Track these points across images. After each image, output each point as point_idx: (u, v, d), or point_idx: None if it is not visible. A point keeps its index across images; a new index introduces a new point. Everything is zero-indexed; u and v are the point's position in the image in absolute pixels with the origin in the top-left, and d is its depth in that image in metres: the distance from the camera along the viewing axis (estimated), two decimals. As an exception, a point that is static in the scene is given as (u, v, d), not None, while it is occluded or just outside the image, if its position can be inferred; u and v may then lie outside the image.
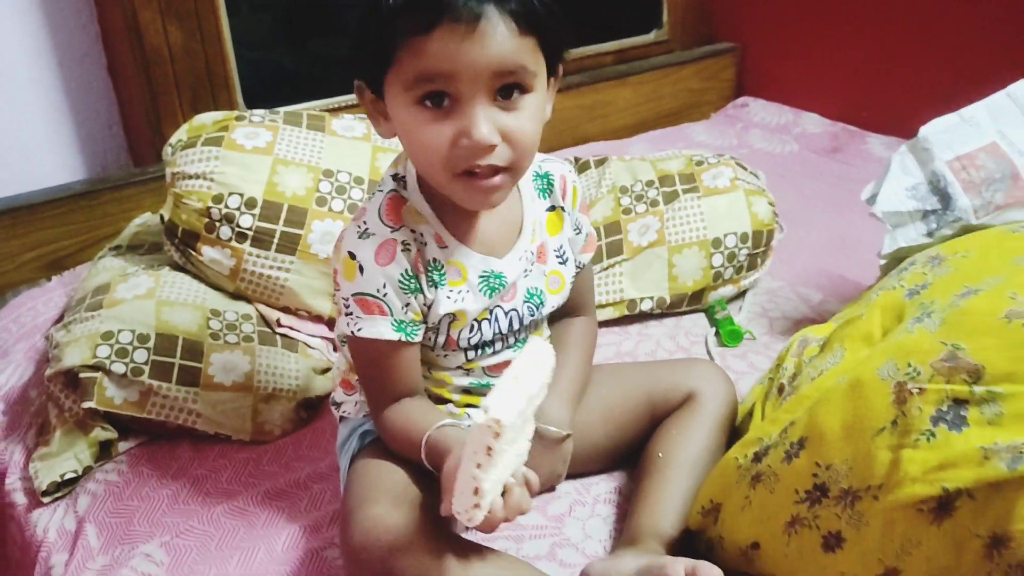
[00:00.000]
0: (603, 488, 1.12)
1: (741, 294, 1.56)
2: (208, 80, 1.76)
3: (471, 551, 0.87)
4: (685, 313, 1.52)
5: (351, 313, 0.92)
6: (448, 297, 0.95)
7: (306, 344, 1.33)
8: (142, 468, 1.18)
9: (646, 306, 1.49)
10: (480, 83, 0.82)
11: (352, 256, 0.91)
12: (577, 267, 1.07)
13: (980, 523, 0.73)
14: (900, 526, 0.76)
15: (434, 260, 0.94)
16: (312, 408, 1.28)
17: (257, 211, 1.31)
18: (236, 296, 1.35)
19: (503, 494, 0.79)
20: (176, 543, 1.05)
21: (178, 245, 1.34)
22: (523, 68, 0.84)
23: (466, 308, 0.96)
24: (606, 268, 1.49)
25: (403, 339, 0.93)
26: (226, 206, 1.31)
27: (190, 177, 1.33)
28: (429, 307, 0.95)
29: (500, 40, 0.82)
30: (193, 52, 1.71)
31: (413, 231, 0.93)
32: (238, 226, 1.31)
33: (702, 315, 1.52)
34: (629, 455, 1.13)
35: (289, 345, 1.31)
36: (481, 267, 0.97)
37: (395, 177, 0.96)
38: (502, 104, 0.84)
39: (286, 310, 1.36)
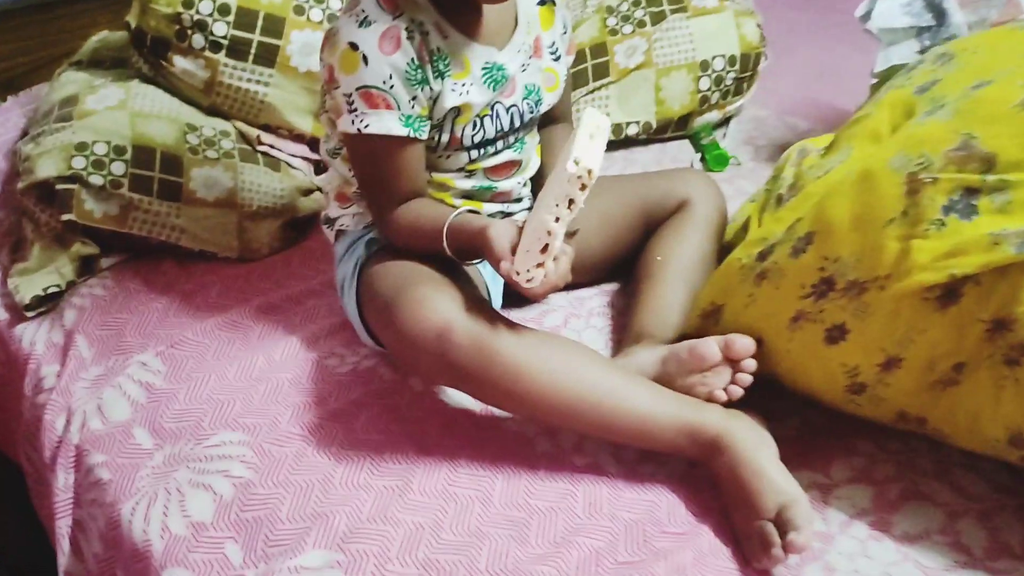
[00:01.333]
0: (597, 302, 1.13)
1: (725, 121, 1.54)
2: None
3: (520, 326, 0.88)
4: (670, 139, 1.50)
5: (355, 109, 0.89)
6: (453, 90, 0.92)
7: (288, 164, 1.29)
8: (128, 283, 1.16)
9: (632, 131, 1.46)
10: None
11: (353, 47, 0.87)
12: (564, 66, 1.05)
13: (984, 308, 0.75)
14: (905, 314, 0.78)
15: (438, 49, 0.90)
16: (299, 229, 1.26)
17: (231, 18, 1.24)
18: (212, 111, 1.29)
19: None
20: (172, 353, 1.04)
21: (147, 55, 1.26)
22: None
23: (471, 101, 0.94)
24: (592, 91, 1.46)
25: (411, 134, 0.90)
26: (197, 12, 1.23)
27: (157, -19, 1.24)
28: (435, 101, 0.92)
29: None
30: None
31: (413, 20, 0.89)
32: (212, 34, 1.23)
33: (686, 142, 1.51)
34: (622, 265, 1.14)
35: (271, 164, 1.27)
36: (484, 58, 0.94)
37: None
38: None
39: (266, 128, 1.30)
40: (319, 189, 1.28)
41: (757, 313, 0.87)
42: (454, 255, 0.89)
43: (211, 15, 1.23)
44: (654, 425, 0.84)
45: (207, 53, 1.24)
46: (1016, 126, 0.75)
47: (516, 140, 1.01)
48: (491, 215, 1.03)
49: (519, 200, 1.06)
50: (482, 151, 0.98)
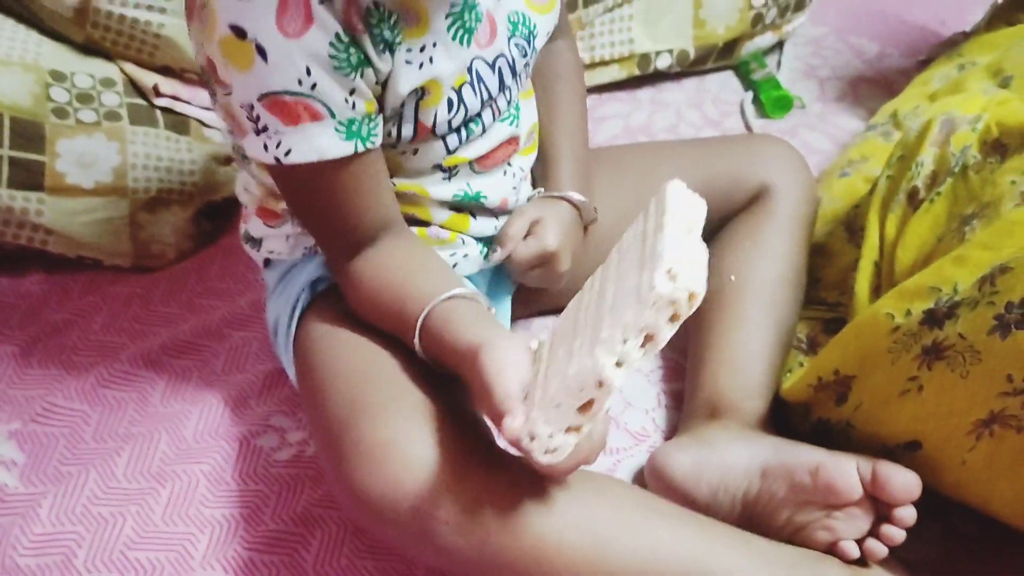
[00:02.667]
0: (639, 329, 0.81)
1: (779, 45, 1.20)
2: None
3: (541, 481, 0.54)
4: (709, 71, 1.16)
5: (264, 128, 0.54)
6: (409, 62, 0.58)
7: (200, 121, 0.93)
8: (-28, 314, 0.82)
9: (663, 63, 1.12)
10: None
11: (238, 33, 0.52)
12: None
13: None
14: None
15: (375, 5, 0.55)
16: (217, 216, 0.91)
17: (105, -84, 0.86)
18: (88, 50, 0.91)
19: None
20: (33, 431, 0.72)
21: (-10, -31, 0.88)
22: None
23: (439, 73, 0.59)
24: (611, 9, 1.10)
25: (358, 148, 0.56)
26: (55, -93, 0.84)
27: None
28: (384, 84, 0.57)
29: None
30: None
31: None
32: (78, -60, 0.85)
33: (731, 75, 1.16)
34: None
35: (175, 124, 0.91)
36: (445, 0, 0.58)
37: None
38: None
39: (166, 71, 0.94)
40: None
41: (921, 406, 0.57)
42: (433, 364, 0.56)
43: (73, -90, 0.85)
44: None
45: (73, -34, 0.86)
46: None
47: (509, 103, 0.67)
48: (479, 239, 0.70)
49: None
50: (465, 133, 0.64)
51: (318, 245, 0.64)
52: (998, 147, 0.68)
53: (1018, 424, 0.53)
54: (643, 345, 0.42)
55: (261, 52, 0.52)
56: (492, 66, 0.63)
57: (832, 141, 1.05)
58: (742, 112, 1.10)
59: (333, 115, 0.55)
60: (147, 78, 0.92)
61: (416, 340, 0.55)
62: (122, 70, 0.92)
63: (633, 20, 1.10)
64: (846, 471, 0.56)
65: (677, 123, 1.09)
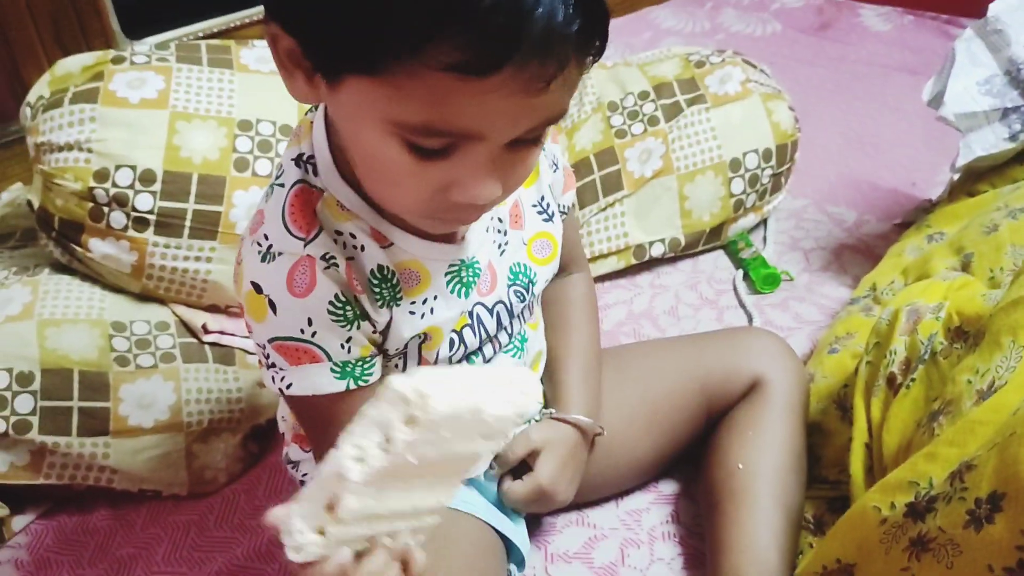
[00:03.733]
0: (656, 517, 0.88)
1: (762, 222, 1.30)
2: (72, 6, 1.37)
3: None
4: (701, 252, 1.26)
5: (273, 364, 0.64)
6: (412, 312, 0.67)
7: (244, 351, 1.04)
8: (47, 552, 0.89)
9: (657, 251, 1.22)
10: (509, 139, 0.54)
11: (257, 289, 0.62)
12: (562, 214, 0.79)
13: None
14: None
15: (379, 269, 0.65)
16: (263, 438, 1.00)
17: (157, 187, 0.98)
18: (145, 297, 1.03)
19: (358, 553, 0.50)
20: (107, 668, 0.78)
21: (57, 239, 1.01)
22: (566, 108, 0.54)
23: (438, 322, 0.68)
24: (604, 208, 1.21)
25: (350, 386, 0.65)
26: (114, 184, 0.97)
27: (60, 148, 0.98)
28: (384, 333, 0.67)
29: (566, 87, 0.52)
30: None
31: (339, 234, 0.63)
32: (134, 209, 0.98)
33: (721, 253, 1.26)
34: (677, 462, 0.89)
35: (223, 357, 1.01)
36: (447, 258, 0.68)
37: (298, 161, 0.64)
38: (515, 148, 0.55)
39: (213, 309, 1.05)
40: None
41: (914, 592, 0.62)
42: None
43: (131, 186, 0.98)
44: None
45: (131, 232, 0.98)
46: None
47: (511, 339, 0.76)
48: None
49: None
50: (469, 363, 0.73)
51: (315, 455, 0.72)
52: (960, 334, 0.76)
53: (1004, 606, 0.59)
54: (385, 444, 0.45)
55: (272, 306, 0.61)
56: (491, 311, 0.72)
57: (821, 311, 1.13)
58: (735, 290, 1.19)
59: (329, 358, 0.63)
60: (197, 318, 1.03)
61: None
62: (174, 312, 1.03)
63: (625, 216, 1.22)
64: None
65: (676, 304, 1.18)
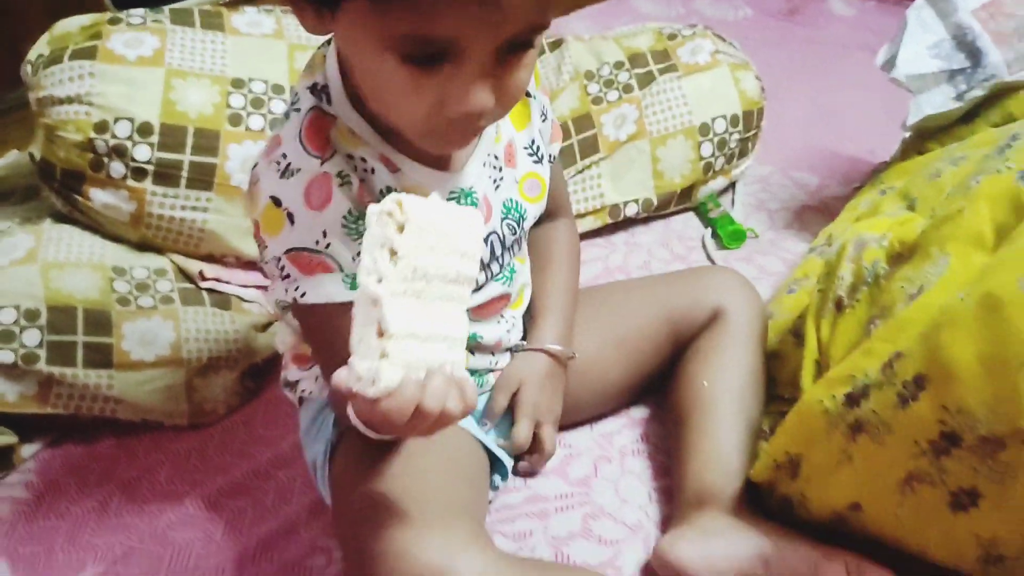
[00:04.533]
0: (627, 438, 0.94)
1: (731, 186, 1.38)
2: (67, -22, 1.43)
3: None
4: (673, 214, 1.33)
5: (288, 276, 0.70)
6: None
7: (239, 297, 1.09)
8: (55, 476, 0.94)
9: (631, 211, 1.29)
10: (492, 48, 0.60)
11: (276, 202, 0.67)
12: (550, 160, 0.86)
13: None
14: (1064, 478, 0.60)
15: (387, 190, 0.71)
16: (259, 376, 1.05)
17: (155, 139, 1.04)
18: (143, 246, 1.09)
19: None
20: (116, 572, 0.83)
21: (59, 189, 1.06)
22: (545, 24, 0.61)
23: None
24: (581, 171, 1.28)
25: None
26: (113, 135, 1.03)
27: (61, 102, 1.04)
28: None
29: None
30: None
31: (351, 157, 0.69)
32: (133, 159, 1.03)
33: (692, 215, 1.33)
34: (649, 386, 0.96)
35: (220, 302, 1.07)
36: (448, 186, 0.75)
37: (313, 89, 0.71)
38: (504, 61, 0.61)
39: (209, 258, 1.10)
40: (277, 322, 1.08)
41: (854, 473, 0.69)
42: (368, 427, 0.63)
43: (130, 137, 1.03)
44: None
45: (130, 182, 1.04)
46: None
47: (501, 269, 0.82)
48: (475, 372, 0.84)
49: (508, 351, 0.88)
50: None
51: (320, 369, 0.77)
52: (900, 259, 0.83)
53: (931, 480, 0.65)
54: (391, 258, 0.52)
55: (290, 217, 0.67)
56: (486, 241, 0.78)
57: (783, 263, 1.20)
58: (704, 246, 1.26)
59: (341, 268, 0.69)
60: (193, 265, 1.08)
61: (350, 411, 0.61)
62: (171, 260, 1.09)
63: (601, 178, 1.28)
64: (836, 571, 0.68)
65: (649, 260, 1.24)
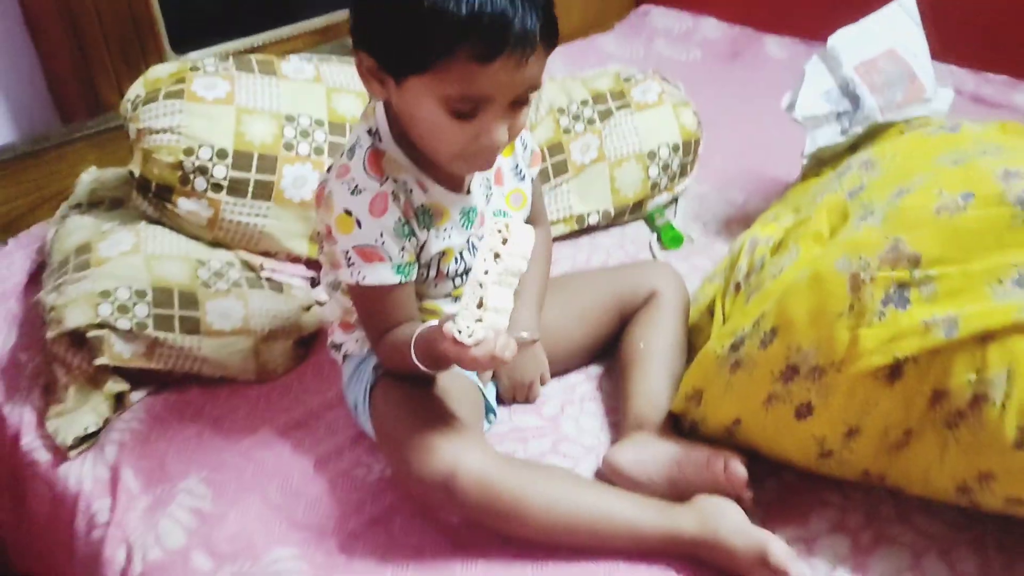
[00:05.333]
0: (587, 388, 1.27)
1: (674, 201, 1.71)
2: (134, 28, 1.74)
3: (518, 462, 1.03)
4: (628, 223, 1.66)
5: (353, 264, 1.01)
6: (437, 236, 1.06)
7: (289, 284, 1.41)
8: (160, 414, 1.25)
9: (593, 220, 1.62)
10: (508, 101, 0.93)
11: (348, 212, 1.00)
12: (531, 180, 1.19)
13: (924, 382, 0.90)
14: (860, 392, 0.93)
15: (422, 206, 1.04)
16: (306, 345, 1.37)
17: (229, 161, 1.36)
18: (215, 244, 1.40)
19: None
20: (214, 477, 1.14)
21: (152, 200, 1.38)
22: (539, 86, 0.94)
23: (453, 244, 1.08)
24: (554, 188, 1.61)
25: (403, 280, 1.02)
26: (198, 158, 1.35)
27: (157, 132, 1.36)
28: (422, 247, 1.05)
29: (538, 65, 0.92)
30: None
31: (396, 180, 1.02)
32: (212, 177, 1.35)
33: (643, 224, 1.67)
34: (602, 351, 1.28)
35: (275, 287, 1.39)
36: (460, 205, 1.07)
37: (369, 132, 1.03)
38: (513, 109, 0.94)
39: (266, 254, 1.42)
40: (318, 303, 1.40)
41: (734, 397, 1.02)
42: (424, 364, 0.96)
43: (211, 160, 1.35)
44: (641, 538, 0.97)
45: (209, 194, 1.36)
46: (935, 229, 0.92)
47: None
48: None
49: None
50: (464, 278, 1.11)
51: (366, 332, 1.08)
52: (776, 252, 1.16)
53: (782, 398, 0.98)
54: (495, 259, 0.88)
55: (358, 223, 0.99)
56: (482, 241, 1.11)
57: (713, 263, 1.51)
58: (650, 248, 1.59)
59: (391, 260, 1.01)
60: (254, 259, 1.40)
61: (412, 351, 0.97)
62: (237, 255, 1.40)
63: (570, 193, 1.61)
64: (717, 464, 1.00)
65: (607, 259, 1.57)
